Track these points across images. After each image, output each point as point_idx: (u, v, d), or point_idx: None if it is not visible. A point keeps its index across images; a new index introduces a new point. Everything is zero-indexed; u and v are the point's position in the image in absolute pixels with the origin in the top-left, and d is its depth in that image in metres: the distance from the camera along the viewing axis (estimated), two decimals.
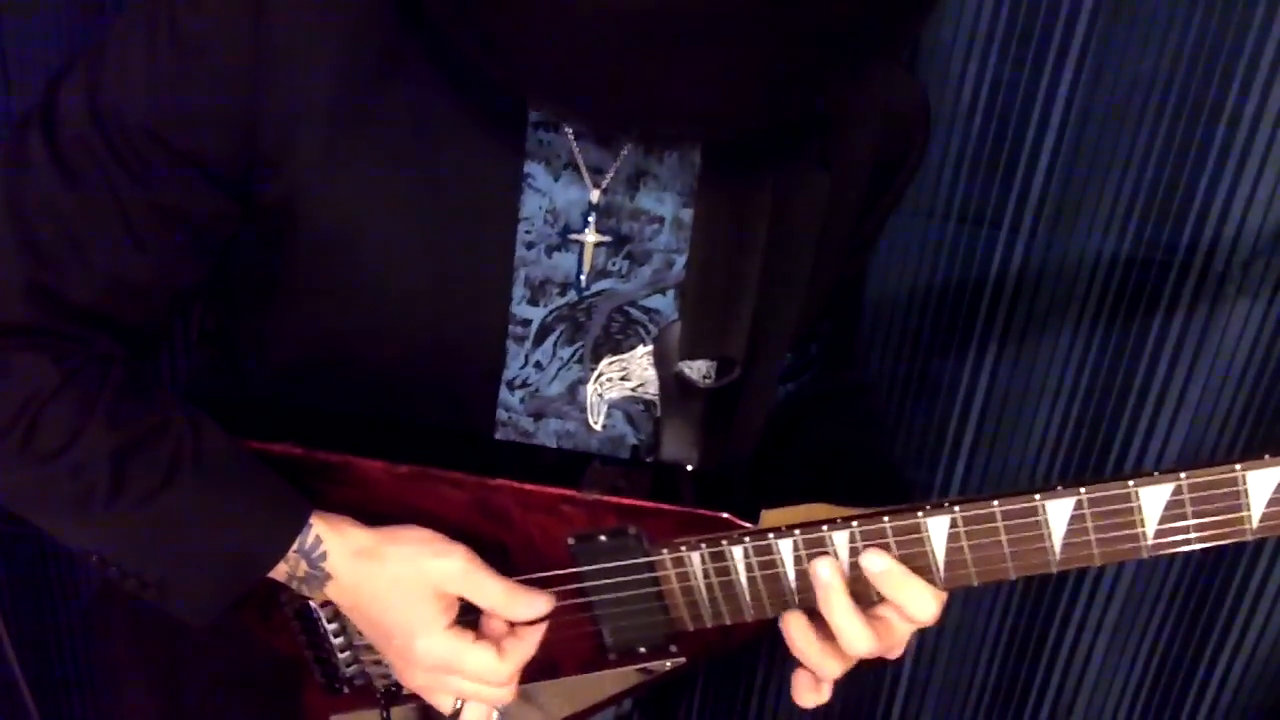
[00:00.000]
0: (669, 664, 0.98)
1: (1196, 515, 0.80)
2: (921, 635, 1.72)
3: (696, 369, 0.97)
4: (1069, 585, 1.68)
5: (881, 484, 1.10)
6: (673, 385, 0.98)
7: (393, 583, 0.89)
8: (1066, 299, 1.50)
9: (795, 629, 0.90)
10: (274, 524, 0.89)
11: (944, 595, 0.88)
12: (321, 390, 0.95)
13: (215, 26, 0.82)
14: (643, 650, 0.97)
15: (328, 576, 0.90)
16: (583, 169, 0.91)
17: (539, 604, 0.91)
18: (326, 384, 0.94)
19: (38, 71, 1.39)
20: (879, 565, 0.86)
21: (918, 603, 0.87)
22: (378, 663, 1.00)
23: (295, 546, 0.89)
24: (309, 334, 0.93)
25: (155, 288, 0.89)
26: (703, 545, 0.90)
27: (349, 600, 0.92)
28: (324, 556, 0.89)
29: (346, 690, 1.02)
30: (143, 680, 1.09)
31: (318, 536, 0.89)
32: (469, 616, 0.92)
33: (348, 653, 1.00)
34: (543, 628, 0.92)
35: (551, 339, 0.94)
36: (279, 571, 0.90)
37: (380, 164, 0.86)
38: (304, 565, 0.90)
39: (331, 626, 0.98)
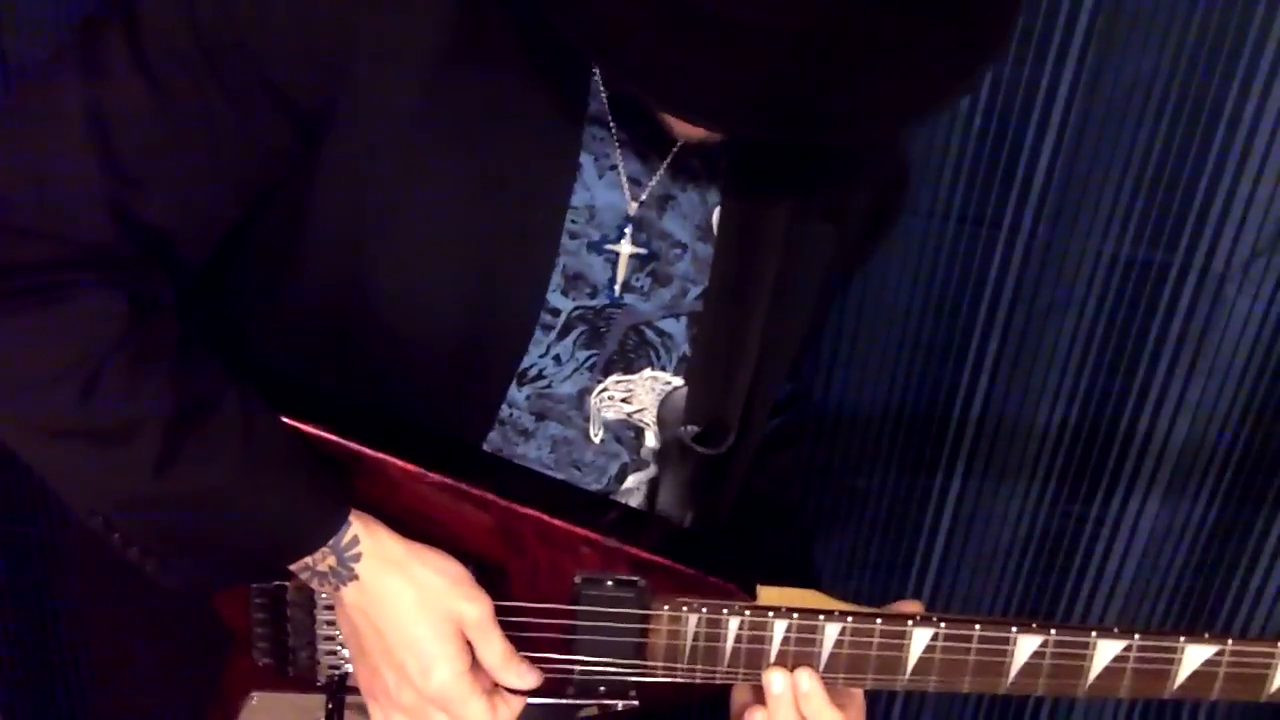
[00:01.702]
0: (620, 705, 0.99)
1: (1134, 670, 0.94)
2: None
3: (689, 434, 0.99)
4: (1068, 586, 1.68)
5: (796, 550, 1.18)
6: (672, 446, 1.00)
7: (418, 605, 0.89)
8: (1066, 299, 1.50)
9: None
10: (316, 515, 0.87)
11: None
12: (329, 353, 0.93)
13: None
14: (603, 689, 0.98)
15: (354, 577, 0.89)
16: (622, 176, 0.92)
17: (529, 679, 0.93)
18: (337, 347, 0.93)
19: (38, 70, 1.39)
20: (806, 685, 0.93)
21: None
22: (332, 654, 1.00)
23: (330, 541, 0.88)
24: (336, 289, 0.90)
25: (220, 218, 0.87)
26: (703, 609, 0.94)
27: (364, 604, 0.91)
28: (357, 558, 0.89)
29: (291, 671, 1.01)
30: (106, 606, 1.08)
31: (355, 536, 0.88)
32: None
33: (330, 641, 1.00)
34: (526, 697, 0.95)
35: (572, 337, 0.95)
36: (299, 563, 0.89)
37: (448, 136, 0.85)
38: (332, 559, 0.88)
39: (292, 612, 0.98)
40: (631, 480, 1.04)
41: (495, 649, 0.91)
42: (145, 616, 1.02)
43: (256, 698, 1.03)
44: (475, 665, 0.92)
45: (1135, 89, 1.37)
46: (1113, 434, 1.57)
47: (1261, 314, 1.47)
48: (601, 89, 0.90)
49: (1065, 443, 1.58)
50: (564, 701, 0.98)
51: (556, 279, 0.92)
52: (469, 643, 0.91)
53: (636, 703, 0.99)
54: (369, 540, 0.89)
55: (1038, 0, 1.34)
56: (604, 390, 0.98)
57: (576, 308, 0.93)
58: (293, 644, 1.00)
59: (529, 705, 0.96)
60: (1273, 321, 1.47)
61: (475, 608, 0.90)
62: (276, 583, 0.97)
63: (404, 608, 0.89)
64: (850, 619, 0.93)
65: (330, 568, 0.89)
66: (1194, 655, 0.94)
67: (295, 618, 0.99)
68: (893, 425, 1.61)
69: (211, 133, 0.82)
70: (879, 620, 0.93)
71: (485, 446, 0.97)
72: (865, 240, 1.07)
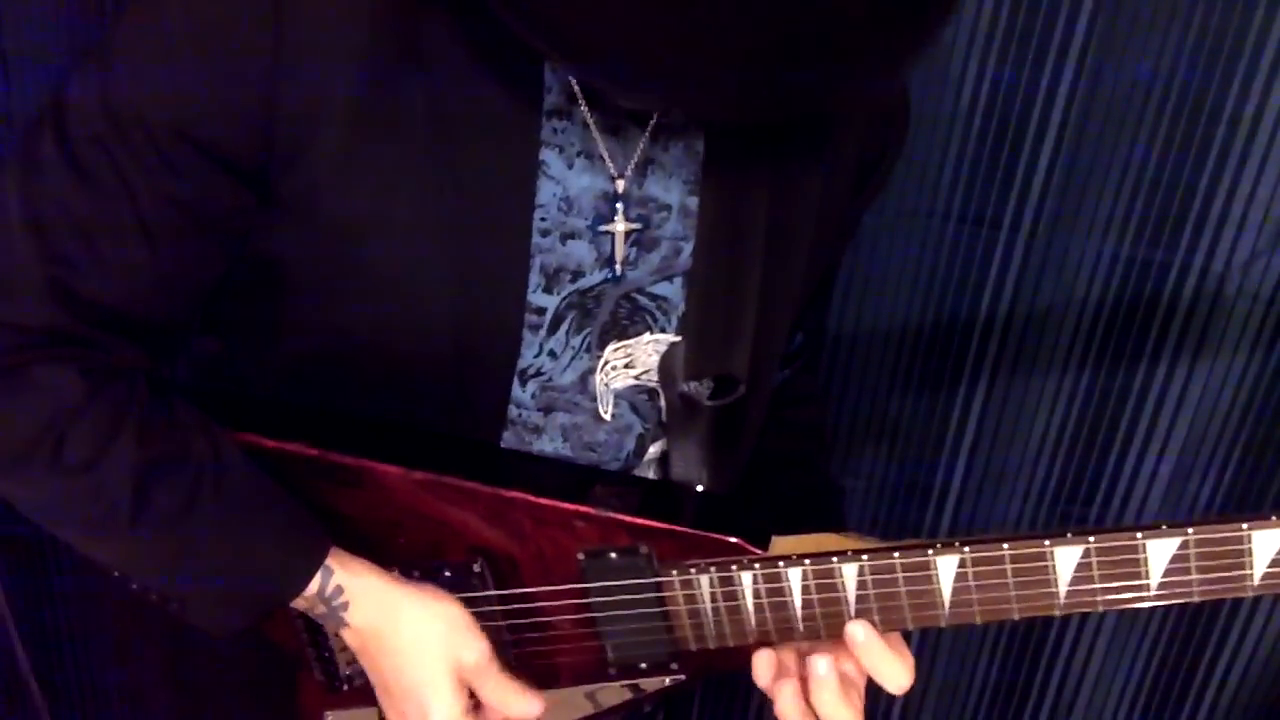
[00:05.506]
0: (668, 680, 0.98)
1: (1200, 570, 0.82)
2: (921, 635, 1.72)
3: (699, 389, 0.97)
4: None
5: (816, 496, 1.13)
6: (679, 406, 0.98)
7: (414, 650, 0.90)
8: (1066, 299, 1.50)
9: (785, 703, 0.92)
10: (292, 561, 0.89)
11: (911, 669, 0.90)
12: (331, 383, 0.94)
13: (234, 18, 0.81)
14: (643, 666, 0.97)
15: (344, 624, 0.91)
16: (605, 157, 0.91)
17: (534, 706, 0.93)
18: (337, 377, 0.94)
19: (38, 69, 1.39)
20: (861, 636, 0.88)
21: (891, 674, 0.89)
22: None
23: (314, 590, 0.89)
24: (322, 325, 0.92)
25: (173, 283, 0.88)
26: (712, 569, 0.90)
27: (363, 647, 0.92)
28: (345, 606, 0.90)
29: (345, 688, 1.02)
30: (152, 671, 1.10)
31: (339, 586, 0.89)
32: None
33: (346, 651, 1.00)
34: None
35: (564, 327, 0.94)
36: (297, 603, 0.91)
37: (398, 156, 0.85)
38: (321, 607, 0.90)
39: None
40: (654, 450, 1.03)
41: (493, 685, 0.92)
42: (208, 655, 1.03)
43: (331, 717, 1.04)
44: (478, 704, 0.93)
45: (1135, 89, 1.37)
46: (1112, 434, 1.57)
47: (1261, 314, 1.47)
48: (571, 81, 0.89)
49: (1065, 443, 1.58)
50: (611, 685, 0.98)
51: (536, 278, 0.91)
52: (468, 683, 0.92)
53: (683, 676, 0.97)
54: (356, 586, 0.90)
55: (1038, 0, 1.35)
56: (606, 364, 0.97)
57: (563, 299, 0.93)
58: (337, 659, 1.01)
59: (581, 693, 0.96)
60: (1273, 321, 1.47)
61: (472, 652, 0.91)
62: None
63: (400, 655, 0.90)
64: (866, 556, 0.86)
65: (323, 613, 0.91)
66: (1267, 543, 0.81)
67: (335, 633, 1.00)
68: (892, 425, 1.61)
69: (138, 210, 0.83)
70: (896, 554, 0.86)
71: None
72: (864, 177, 1.05)
